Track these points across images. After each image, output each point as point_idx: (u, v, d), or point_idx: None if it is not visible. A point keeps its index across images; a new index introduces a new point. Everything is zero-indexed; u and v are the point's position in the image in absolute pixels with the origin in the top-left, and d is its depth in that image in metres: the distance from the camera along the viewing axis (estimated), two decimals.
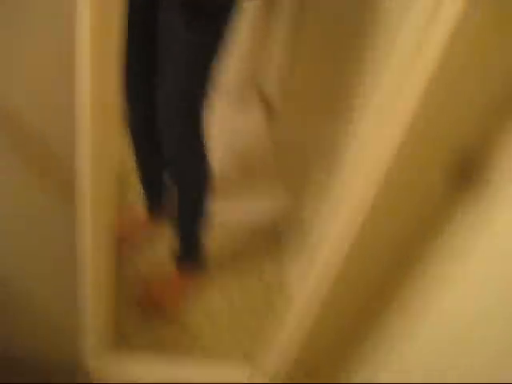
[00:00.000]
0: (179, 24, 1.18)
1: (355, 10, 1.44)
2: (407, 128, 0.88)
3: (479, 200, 0.90)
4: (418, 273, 1.07)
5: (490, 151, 0.89)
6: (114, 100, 0.96)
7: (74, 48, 0.78)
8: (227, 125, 2.28)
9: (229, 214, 1.97)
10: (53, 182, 0.98)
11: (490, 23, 0.79)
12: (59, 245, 1.11)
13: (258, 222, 2.00)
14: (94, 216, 1.03)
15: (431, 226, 1.02)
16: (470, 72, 0.85)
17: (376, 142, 0.93)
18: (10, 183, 0.99)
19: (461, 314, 0.91)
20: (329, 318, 1.24)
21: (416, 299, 1.06)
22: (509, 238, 0.80)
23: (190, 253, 1.69)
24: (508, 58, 0.84)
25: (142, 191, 1.79)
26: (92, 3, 0.74)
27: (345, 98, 1.45)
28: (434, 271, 1.02)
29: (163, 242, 1.81)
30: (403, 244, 1.08)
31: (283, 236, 1.95)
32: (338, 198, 1.06)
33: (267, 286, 1.77)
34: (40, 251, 1.13)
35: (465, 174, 0.93)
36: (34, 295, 1.25)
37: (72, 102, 0.84)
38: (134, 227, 1.84)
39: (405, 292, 1.10)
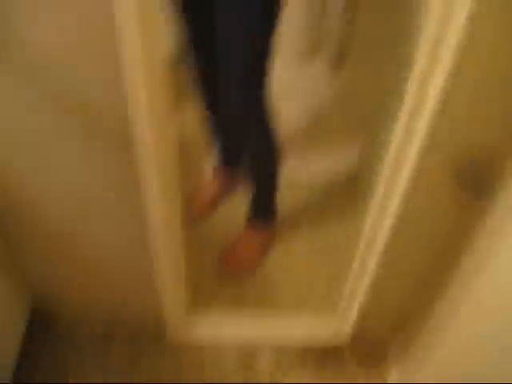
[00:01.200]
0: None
1: None
2: None
3: None
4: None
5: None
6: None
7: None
8: (294, 81, 2.24)
9: (304, 170, 1.95)
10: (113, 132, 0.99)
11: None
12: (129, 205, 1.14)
13: (334, 176, 1.96)
14: (159, 170, 1.04)
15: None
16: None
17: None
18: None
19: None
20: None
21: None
22: None
23: (263, 211, 1.70)
24: None
25: (216, 145, 1.78)
26: None
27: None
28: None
29: (238, 202, 1.83)
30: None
31: (360, 187, 1.90)
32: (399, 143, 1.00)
33: (347, 237, 1.73)
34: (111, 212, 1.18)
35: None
36: (112, 256, 1.30)
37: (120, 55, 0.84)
38: (206, 200, 1.84)
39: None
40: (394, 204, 1.06)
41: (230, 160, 1.82)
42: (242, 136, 1.52)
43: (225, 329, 1.52)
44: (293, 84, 2.23)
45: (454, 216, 1.07)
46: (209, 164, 1.93)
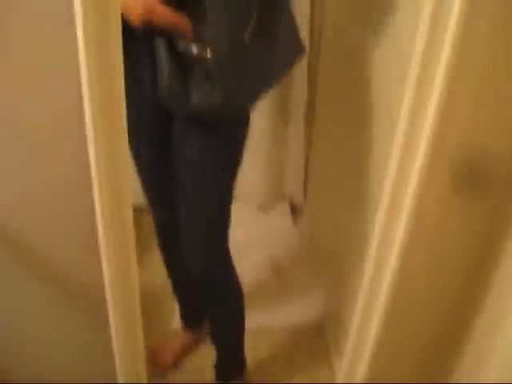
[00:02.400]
0: (190, 136, 1.19)
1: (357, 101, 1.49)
2: None
3: None
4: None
5: None
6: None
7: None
8: (254, 231, 2.26)
9: (268, 319, 1.91)
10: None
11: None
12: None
13: (300, 323, 1.92)
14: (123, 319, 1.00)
15: None
16: None
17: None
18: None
19: None
20: None
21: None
22: None
23: (229, 363, 1.62)
24: None
25: (178, 306, 1.76)
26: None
27: (363, 188, 1.46)
28: None
29: (202, 353, 1.76)
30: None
31: (328, 334, 1.87)
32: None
33: None
34: None
35: None
36: None
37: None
38: (171, 354, 1.77)
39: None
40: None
41: (191, 322, 1.78)
42: (204, 298, 1.50)
43: None
44: (254, 233, 2.26)
45: None
46: (174, 318, 1.87)
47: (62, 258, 0.92)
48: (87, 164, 0.80)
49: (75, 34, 0.70)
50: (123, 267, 0.94)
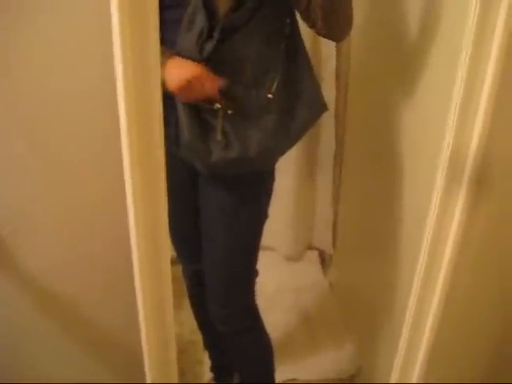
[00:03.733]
0: (214, 191, 1.21)
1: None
2: None
3: None
4: None
5: None
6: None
7: None
8: (283, 281, 2.25)
9: (297, 372, 1.86)
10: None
11: None
12: None
13: (330, 376, 1.87)
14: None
15: None
16: None
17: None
18: None
19: None
20: None
21: None
22: None
23: None
24: None
25: (209, 359, 1.75)
26: None
27: (395, 239, 1.45)
28: None
29: None
30: None
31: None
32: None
33: None
34: None
35: None
36: None
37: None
38: None
39: None
40: None
41: (222, 375, 1.76)
42: (232, 352, 1.49)
43: None
44: (283, 283, 2.24)
45: None
46: (205, 372, 1.85)
47: (102, 321, 0.93)
48: (127, 228, 0.82)
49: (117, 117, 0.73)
50: (160, 323, 0.95)
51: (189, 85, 1.00)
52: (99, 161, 0.84)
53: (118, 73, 0.71)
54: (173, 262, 1.59)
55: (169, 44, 1.00)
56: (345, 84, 1.96)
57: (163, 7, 0.76)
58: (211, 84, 1.02)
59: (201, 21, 1.00)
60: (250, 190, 1.22)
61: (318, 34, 1.11)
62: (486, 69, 0.80)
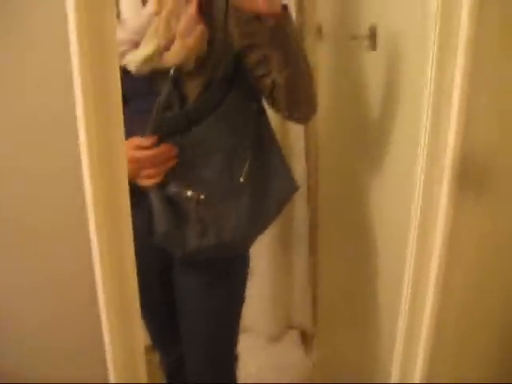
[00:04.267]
0: (188, 276, 1.20)
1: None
2: None
3: None
4: None
5: None
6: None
7: None
8: (264, 360, 2.18)
9: None
10: None
11: None
12: None
13: None
14: None
15: None
16: None
17: None
18: None
19: None
20: None
21: None
22: None
23: None
24: None
25: None
26: None
27: (377, 312, 1.44)
28: None
29: None
30: None
31: None
32: None
33: None
34: None
35: None
36: None
37: None
38: None
39: None
40: None
41: None
42: None
43: None
44: (264, 364, 2.17)
45: None
46: None
47: None
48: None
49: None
50: None
51: (138, 162, 1.01)
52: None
53: (85, 171, 0.72)
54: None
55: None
56: (315, 159, 2.02)
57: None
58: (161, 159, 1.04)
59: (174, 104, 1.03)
60: (226, 274, 1.21)
61: (284, 117, 1.15)
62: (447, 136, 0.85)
